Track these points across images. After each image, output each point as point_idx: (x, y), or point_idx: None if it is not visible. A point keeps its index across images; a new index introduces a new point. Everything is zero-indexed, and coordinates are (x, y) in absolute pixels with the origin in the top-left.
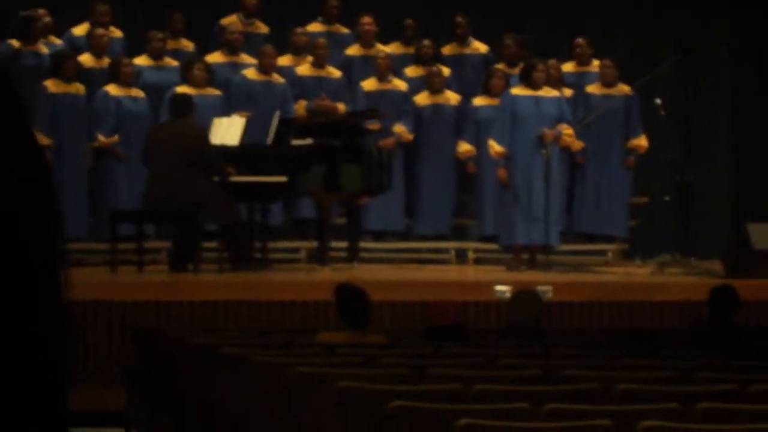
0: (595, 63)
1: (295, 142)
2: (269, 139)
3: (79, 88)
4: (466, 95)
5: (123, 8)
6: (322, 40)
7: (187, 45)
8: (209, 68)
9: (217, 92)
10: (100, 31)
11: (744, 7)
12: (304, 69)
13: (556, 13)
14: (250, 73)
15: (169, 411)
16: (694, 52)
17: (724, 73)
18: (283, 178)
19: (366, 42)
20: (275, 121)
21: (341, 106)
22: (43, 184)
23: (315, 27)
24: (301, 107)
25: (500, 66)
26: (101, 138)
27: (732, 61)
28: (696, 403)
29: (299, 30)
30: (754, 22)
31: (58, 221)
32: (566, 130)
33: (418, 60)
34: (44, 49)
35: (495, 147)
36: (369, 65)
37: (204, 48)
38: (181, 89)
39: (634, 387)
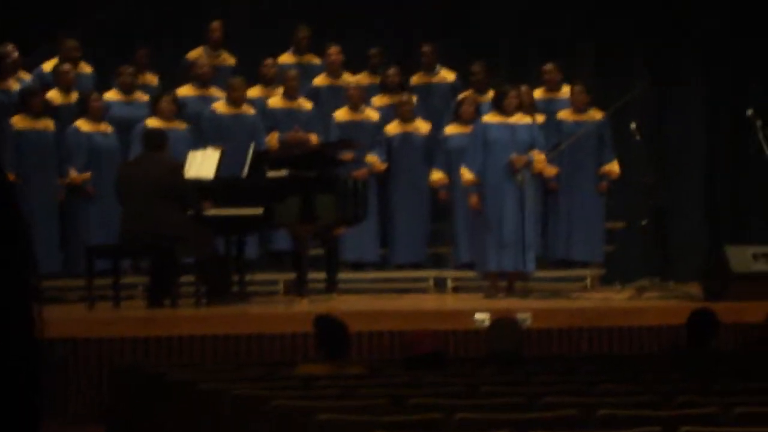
0: (565, 89)
1: (271, 173)
2: (244, 172)
3: (47, 124)
4: (435, 123)
5: (91, 44)
6: (292, 72)
7: (152, 79)
8: (177, 101)
9: (184, 125)
10: (66, 66)
11: (716, 30)
12: (275, 101)
13: (525, 39)
14: (220, 107)
15: None
16: (662, 74)
17: (696, 96)
18: (259, 210)
19: (333, 72)
20: (250, 153)
21: (314, 137)
22: (11, 216)
23: (286, 58)
24: (273, 139)
25: (469, 93)
26: (73, 174)
27: (705, 83)
28: (678, 427)
29: (269, 62)
30: (725, 45)
31: (30, 255)
32: (538, 156)
33: (384, 89)
34: (15, 85)
35: (466, 174)
36: (336, 95)
37: (168, 82)
38: (150, 122)
39: (615, 412)
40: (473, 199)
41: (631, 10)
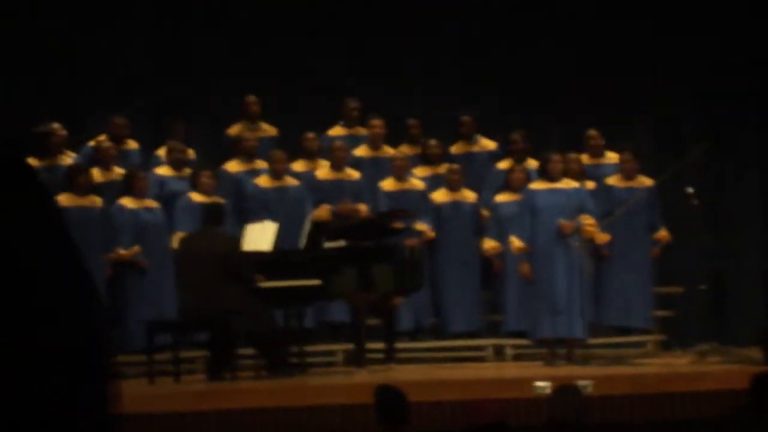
0: (609, 154)
1: (328, 244)
2: (302, 243)
3: (94, 200)
4: (477, 192)
5: (138, 121)
6: (339, 143)
7: (190, 153)
8: (217, 175)
9: (222, 200)
10: (106, 143)
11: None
12: (323, 173)
13: (568, 105)
14: (263, 181)
15: None
16: (717, 140)
17: (754, 160)
18: (316, 281)
19: (374, 143)
20: (308, 225)
21: (363, 207)
22: (84, 281)
23: (336, 131)
24: (325, 211)
25: (510, 162)
26: (121, 251)
27: (763, 147)
28: None
29: (311, 135)
30: None
31: (103, 326)
32: (587, 221)
33: (425, 160)
34: (65, 161)
35: (516, 242)
36: (378, 166)
37: (204, 156)
38: (193, 196)
39: None
40: (524, 268)
41: (688, 77)
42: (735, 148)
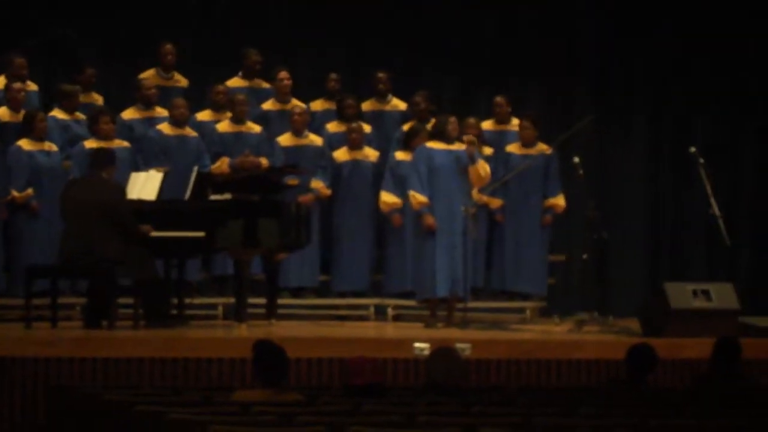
0: (514, 121)
1: (214, 197)
2: (187, 194)
3: None
4: (385, 151)
5: (38, 62)
6: (241, 96)
7: (97, 99)
8: (117, 121)
9: (125, 144)
10: (17, 85)
11: (661, 68)
12: (224, 125)
13: (474, 73)
14: (165, 128)
15: None
16: (607, 110)
17: (640, 132)
18: (200, 234)
19: (282, 97)
20: (193, 176)
21: (264, 162)
22: None
23: (236, 82)
24: (224, 164)
25: (413, 123)
26: (15, 193)
27: (649, 120)
28: None
29: (220, 88)
30: (670, 83)
31: None
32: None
33: (340, 117)
34: None
35: (417, 197)
36: (285, 120)
37: (117, 102)
38: (89, 143)
39: None
40: (429, 219)
41: (579, 48)
42: (623, 120)
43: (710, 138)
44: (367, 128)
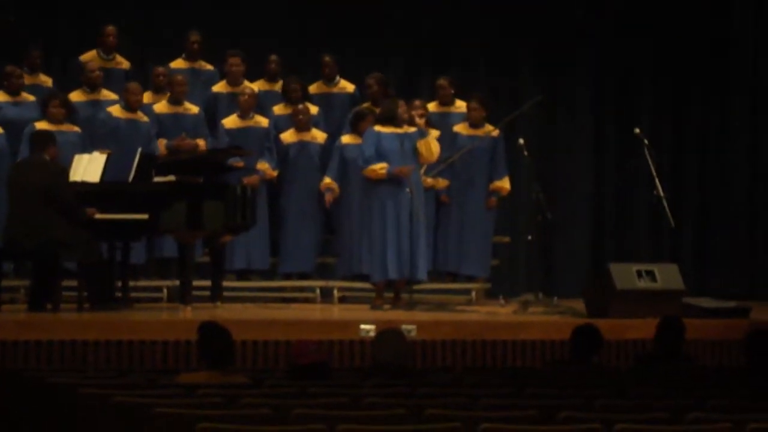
0: (458, 103)
1: (157, 179)
2: (131, 177)
3: None
4: (333, 134)
5: None
6: (179, 77)
7: (45, 80)
8: (68, 104)
9: (75, 129)
10: None
11: (606, 49)
12: (161, 106)
13: (419, 53)
14: (115, 111)
15: None
16: (552, 92)
17: (584, 113)
18: (144, 216)
19: (233, 80)
20: (137, 158)
21: (201, 143)
22: None
23: (178, 64)
24: (161, 145)
25: (367, 105)
26: None
27: (593, 101)
28: None
29: (160, 70)
30: (615, 63)
31: None
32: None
33: (286, 99)
34: None
35: (376, 169)
36: (235, 102)
37: (62, 84)
38: (40, 125)
39: (497, 426)
40: (403, 170)
41: (524, 29)
42: (567, 101)
43: (656, 119)
44: (314, 110)
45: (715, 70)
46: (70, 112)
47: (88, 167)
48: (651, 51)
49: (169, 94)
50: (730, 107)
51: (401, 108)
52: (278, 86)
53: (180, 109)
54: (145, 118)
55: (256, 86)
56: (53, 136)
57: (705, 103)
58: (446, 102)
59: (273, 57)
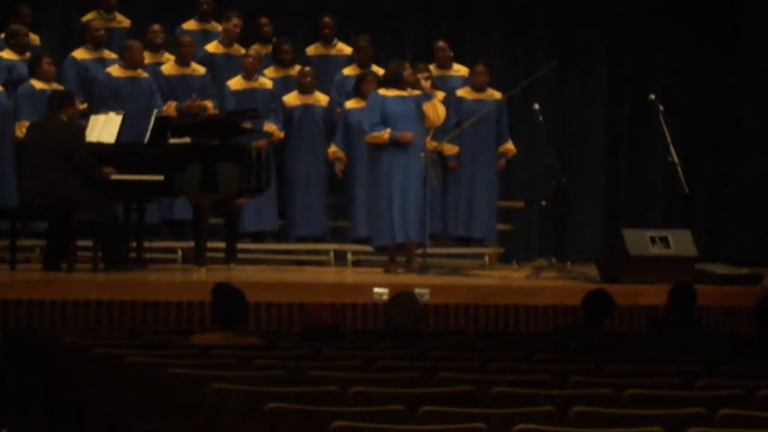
0: (456, 66)
1: (173, 140)
2: (146, 138)
3: None
4: (331, 96)
5: None
6: (187, 38)
7: (34, 38)
8: (70, 61)
9: (61, 88)
10: None
11: (621, 14)
12: (168, 67)
13: (432, 19)
14: (114, 71)
15: (39, 411)
16: (568, 57)
17: (600, 79)
18: (159, 177)
19: (228, 41)
20: (152, 119)
21: (210, 105)
22: None
23: (190, 25)
24: (171, 108)
25: (354, 68)
26: None
27: (609, 66)
28: (570, 407)
29: (155, 27)
30: (631, 29)
31: None
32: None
33: (278, 62)
34: None
35: (378, 137)
36: (231, 63)
37: (51, 43)
38: (35, 82)
39: (509, 390)
40: (405, 135)
41: None
42: (582, 66)
43: (670, 85)
44: (312, 72)
45: (729, 32)
46: (72, 69)
47: (104, 128)
48: (669, 15)
49: (171, 56)
50: (744, 71)
51: (407, 71)
52: (270, 48)
53: (187, 71)
54: (145, 74)
55: (253, 50)
56: (71, 95)
57: (721, 70)
58: (445, 65)
59: (264, 20)
